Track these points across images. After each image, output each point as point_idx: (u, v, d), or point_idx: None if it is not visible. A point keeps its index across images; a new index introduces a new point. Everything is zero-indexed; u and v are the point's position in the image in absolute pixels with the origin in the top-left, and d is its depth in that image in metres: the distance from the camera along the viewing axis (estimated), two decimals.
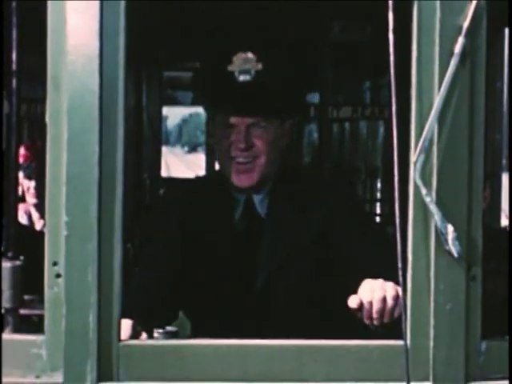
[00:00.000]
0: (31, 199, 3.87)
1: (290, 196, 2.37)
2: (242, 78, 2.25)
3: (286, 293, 2.34)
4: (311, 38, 5.37)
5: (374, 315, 1.96)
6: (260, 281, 2.34)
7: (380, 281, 1.98)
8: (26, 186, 3.86)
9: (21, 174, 3.78)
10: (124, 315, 1.71)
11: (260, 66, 2.25)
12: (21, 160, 3.77)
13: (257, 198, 2.37)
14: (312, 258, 2.35)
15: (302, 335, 1.74)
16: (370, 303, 1.96)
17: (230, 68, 2.25)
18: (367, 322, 1.97)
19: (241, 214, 2.37)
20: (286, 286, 2.33)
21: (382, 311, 1.95)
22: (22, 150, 3.81)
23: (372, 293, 1.96)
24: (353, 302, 1.97)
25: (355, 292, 2.00)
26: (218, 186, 2.43)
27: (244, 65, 2.25)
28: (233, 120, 2.28)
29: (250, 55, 2.26)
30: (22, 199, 3.88)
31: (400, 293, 1.92)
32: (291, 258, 2.33)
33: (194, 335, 2.36)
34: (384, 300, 1.95)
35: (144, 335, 1.97)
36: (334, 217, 2.34)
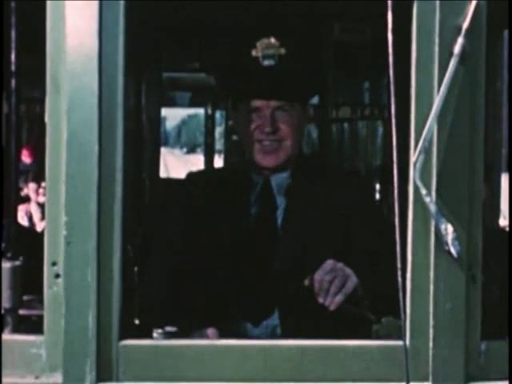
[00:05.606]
0: (42, 198, 3.85)
1: (310, 181, 2.39)
2: (266, 62, 2.31)
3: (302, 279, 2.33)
4: (311, 39, 5.36)
5: (320, 294, 2.08)
6: (278, 266, 2.34)
7: (339, 265, 2.11)
8: (33, 187, 3.84)
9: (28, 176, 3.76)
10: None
11: (283, 51, 2.31)
12: (28, 161, 3.75)
13: (275, 180, 2.39)
14: (329, 244, 2.35)
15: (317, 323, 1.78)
16: (320, 282, 2.08)
17: (253, 53, 2.32)
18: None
19: (257, 196, 2.39)
20: (306, 272, 2.32)
21: (325, 292, 2.08)
22: (26, 152, 3.80)
23: (324, 274, 2.09)
24: (305, 280, 2.12)
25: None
26: (235, 172, 2.49)
27: (267, 50, 2.31)
28: (258, 104, 2.34)
29: (272, 40, 2.32)
30: (27, 200, 3.86)
31: (350, 284, 2.09)
32: (310, 244, 2.34)
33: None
34: (331, 283, 2.08)
35: None
36: (353, 206, 2.37)
